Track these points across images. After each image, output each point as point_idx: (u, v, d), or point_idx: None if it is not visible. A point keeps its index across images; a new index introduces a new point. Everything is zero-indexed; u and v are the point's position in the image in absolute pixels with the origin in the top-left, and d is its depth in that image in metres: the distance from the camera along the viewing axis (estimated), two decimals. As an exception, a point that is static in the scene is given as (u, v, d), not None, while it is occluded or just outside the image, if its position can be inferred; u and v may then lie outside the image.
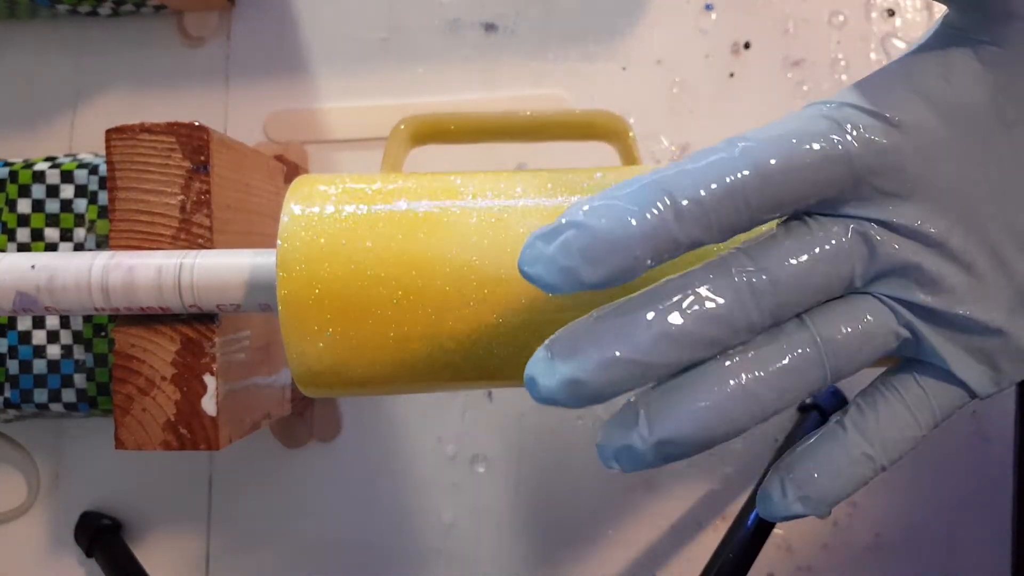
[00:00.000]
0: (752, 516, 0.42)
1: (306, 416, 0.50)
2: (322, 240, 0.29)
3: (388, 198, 0.30)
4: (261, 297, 0.32)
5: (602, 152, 0.49)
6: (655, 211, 0.20)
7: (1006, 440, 0.49)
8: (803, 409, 0.47)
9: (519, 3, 0.52)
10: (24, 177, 0.43)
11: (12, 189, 0.43)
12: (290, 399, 0.46)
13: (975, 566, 0.49)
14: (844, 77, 0.50)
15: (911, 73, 0.23)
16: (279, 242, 0.29)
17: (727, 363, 0.21)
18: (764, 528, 0.42)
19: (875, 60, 0.50)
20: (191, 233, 0.35)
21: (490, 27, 0.52)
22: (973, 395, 0.23)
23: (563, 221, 0.20)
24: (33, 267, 0.32)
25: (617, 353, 0.20)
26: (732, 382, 0.21)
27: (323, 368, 0.29)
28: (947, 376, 0.23)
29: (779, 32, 0.51)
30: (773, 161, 0.21)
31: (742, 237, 0.22)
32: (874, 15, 0.51)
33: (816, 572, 0.49)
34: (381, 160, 0.35)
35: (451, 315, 0.28)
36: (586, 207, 0.20)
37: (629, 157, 0.34)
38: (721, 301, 0.21)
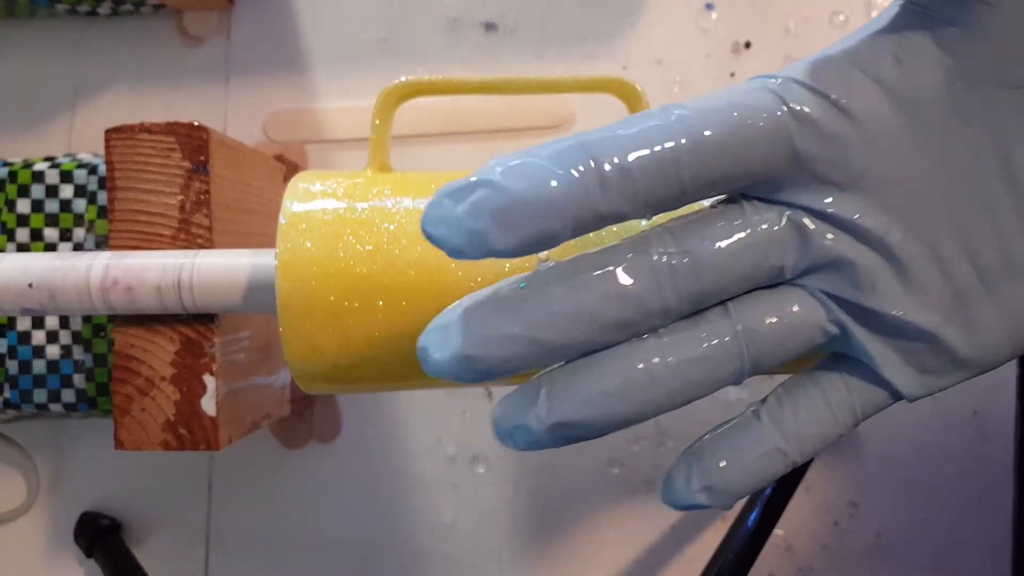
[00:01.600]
0: (752, 517, 0.42)
1: (306, 416, 0.50)
2: (320, 239, 0.29)
3: (387, 195, 0.30)
4: (261, 297, 0.32)
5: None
6: (577, 175, 0.18)
7: (1007, 440, 0.48)
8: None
9: (519, 3, 0.51)
10: (23, 177, 0.43)
11: (11, 189, 0.43)
12: (290, 399, 0.46)
13: (976, 567, 0.49)
14: (845, 77, 0.50)
15: (864, 53, 0.21)
16: (278, 242, 0.29)
17: (638, 347, 0.20)
18: (764, 529, 0.42)
19: (876, 60, 0.50)
20: (190, 233, 0.34)
21: (490, 27, 0.52)
22: (899, 397, 0.22)
23: (475, 179, 0.18)
24: (31, 286, 0.32)
25: (516, 330, 0.19)
26: (640, 367, 0.20)
27: (322, 366, 0.29)
28: (873, 376, 0.22)
29: (780, 31, 0.51)
30: (709, 133, 0.19)
31: (671, 215, 0.21)
32: (874, 14, 0.51)
33: (816, 573, 0.49)
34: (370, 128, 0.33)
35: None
36: (502, 165, 0.18)
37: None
38: (635, 282, 0.20)
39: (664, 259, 0.20)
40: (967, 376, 0.22)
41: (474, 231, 0.18)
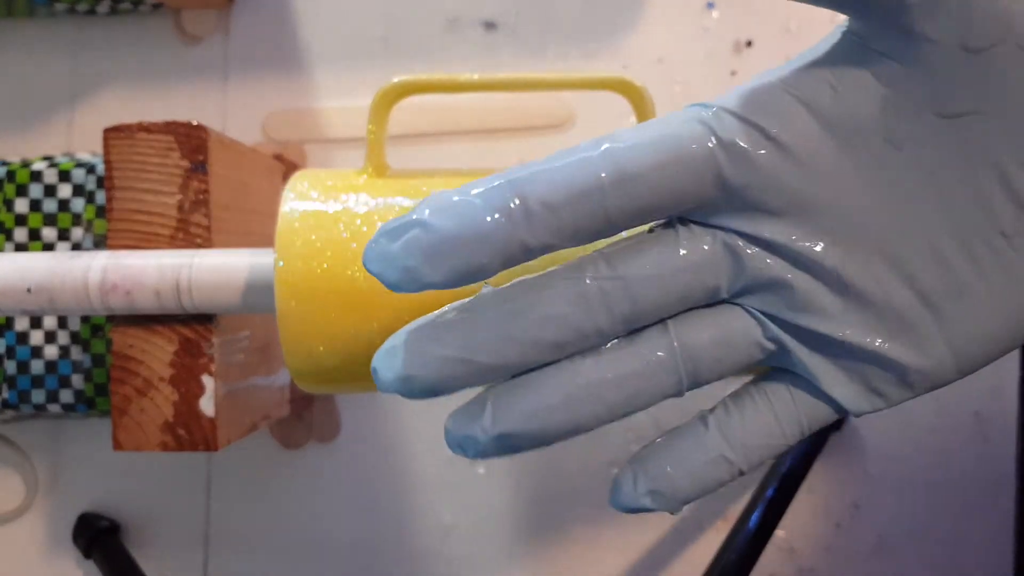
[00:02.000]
0: (754, 518, 0.42)
1: (305, 417, 0.50)
2: (319, 238, 0.29)
3: (385, 194, 0.30)
4: (259, 297, 0.32)
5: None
6: (504, 213, 0.20)
7: (1008, 442, 0.48)
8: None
9: (519, 2, 0.51)
10: (22, 177, 0.43)
11: (10, 189, 0.43)
12: (289, 400, 0.46)
13: (978, 568, 0.48)
14: (846, 76, 0.50)
15: (800, 81, 0.22)
16: (276, 250, 0.29)
17: (578, 364, 0.21)
18: (766, 530, 0.42)
19: (877, 59, 0.50)
20: (189, 233, 0.34)
21: (490, 26, 0.51)
22: (844, 412, 0.23)
23: (409, 219, 0.20)
24: (29, 290, 0.32)
25: (451, 353, 0.21)
26: (577, 383, 0.21)
27: (321, 368, 0.29)
28: (818, 391, 0.23)
29: (781, 30, 0.50)
30: (633, 166, 0.20)
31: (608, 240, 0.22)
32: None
33: (818, 574, 0.49)
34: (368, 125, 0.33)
35: (444, 303, 0.28)
36: (433, 206, 0.20)
37: (643, 112, 0.32)
38: (567, 307, 0.21)
39: (596, 284, 0.21)
40: (914, 395, 0.23)
41: (407, 268, 0.20)
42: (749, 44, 0.50)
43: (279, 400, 0.44)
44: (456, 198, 0.20)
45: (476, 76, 0.31)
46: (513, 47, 0.51)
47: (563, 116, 0.50)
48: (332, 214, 0.29)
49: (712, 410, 0.23)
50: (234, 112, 0.52)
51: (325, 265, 0.28)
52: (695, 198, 0.21)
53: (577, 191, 0.20)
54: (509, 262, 0.20)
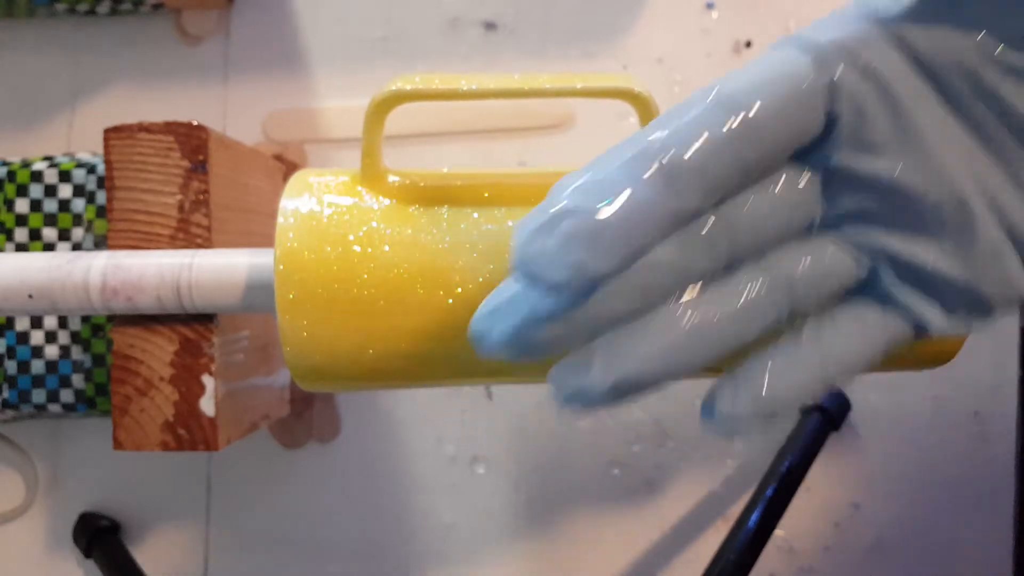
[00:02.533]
0: (753, 518, 0.42)
1: (305, 417, 0.50)
2: (318, 238, 0.29)
3: (384, 195, 0.30)
4: (260, 297, 0.32)
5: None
6: (650, 182, 0.19)
7: (1008, 441, 0.48)
8: (805, 412, 0.47)
9: (519, 1, 0.51)
10: (22, 177, 0.43)
11: (10, 189, 0.43)
12: (289, 399, 0.46)
13: (977, 568, 0.48)
14: (846, 76, 0.50)
15: (890, 16, 0.22)
16: (276, 245, 0.29)
17: (683, 305, 0.21)
18: (765, 529, 0.42)
19: (877, 59, 0.50)
20: (189, 233, 0.34)
21: (490, 26, 0.51)
22: (927, 331, 0.23)
23: (556, 208, 0.19)
24: (31, 296, 0.32)
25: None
26: (687, 323, 0.21)
27: (320, 364, 0.29)
28: (906, 311, 0.23)
29: (781, 31, 0.50)
30: (759, 110, 0.20)
31: None
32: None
33: (818, 573, 0.49)
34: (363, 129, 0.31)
35: (445, 310, 0.28)
36: (577, 189, 0.19)
37: (648, 117, 0.31)
38: (671, 250, 0.20)
39: (697, 226, 0.21)
40: (993, 321, 0.23)
41: (573, 263, 0.18)
42: (749, 45, 0.51)
43: (279, 400, 0.44)
44: (595, 177, 0.19)
45: (475, 84, 0.30)
46: (513, 47, 0.51)
47: (563, 116, 0.51)
48: (330, 218, 0.29)
49: (802, 328, 0.23)
50: (234, 112, 0.52)
51: (324, 264, 0.29)
52: (806, 134, 0.21)
53: (712, 145, 0.19)
54: (665, 234, 0.20)
